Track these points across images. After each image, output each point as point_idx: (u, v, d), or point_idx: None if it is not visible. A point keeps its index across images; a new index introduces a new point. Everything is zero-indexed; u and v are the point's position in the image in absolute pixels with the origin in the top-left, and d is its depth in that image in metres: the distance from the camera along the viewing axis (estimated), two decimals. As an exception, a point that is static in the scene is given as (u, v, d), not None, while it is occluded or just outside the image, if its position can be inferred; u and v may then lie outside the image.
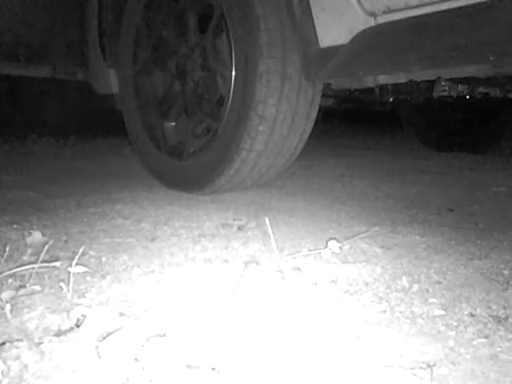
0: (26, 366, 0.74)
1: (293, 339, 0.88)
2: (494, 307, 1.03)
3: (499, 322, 0.97)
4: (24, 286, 1.06)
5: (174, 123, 2.17)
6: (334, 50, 1.67)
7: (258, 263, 1.26)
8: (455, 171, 2.83)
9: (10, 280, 1.09)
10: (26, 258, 1.26)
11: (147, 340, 0.81)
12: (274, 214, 1.81)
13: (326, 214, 1.83)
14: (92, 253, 1.32)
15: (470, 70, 1.64)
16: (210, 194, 2.06)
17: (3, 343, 0.80)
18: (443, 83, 2.03)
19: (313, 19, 1.71)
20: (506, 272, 1.23)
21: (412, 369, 0.79)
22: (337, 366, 0.80)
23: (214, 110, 2.02)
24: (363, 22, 1.59)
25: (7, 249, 1.20)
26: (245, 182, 2.01)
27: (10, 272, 1.09)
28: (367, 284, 1.15)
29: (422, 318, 0.98)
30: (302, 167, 2.80)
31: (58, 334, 0.86)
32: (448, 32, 1.42)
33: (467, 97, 2.34)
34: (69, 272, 1.04)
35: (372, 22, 1.57)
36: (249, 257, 1.33)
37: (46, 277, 1.13)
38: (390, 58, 1.55)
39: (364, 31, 1.58)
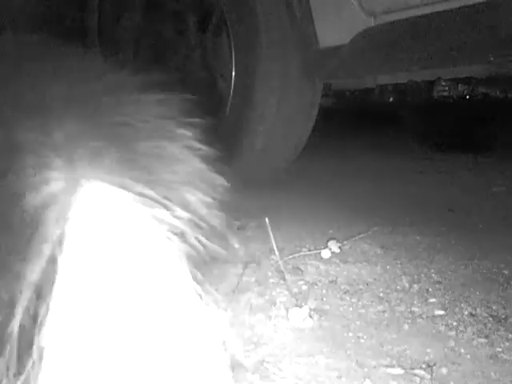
0: None
1: (292, 339, 0.88)
2: (494, 307, 1.03)
3: (499, 322, 0.97)
4: None
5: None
6: (334, 50, 1.67)
7: (258, 263, 1.26)
8: (455, 171, 2.82)
9: None
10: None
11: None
12: (274, 213, 1.80)
13: (325, 213, 1.83)
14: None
15: (469, 70, 1.64)
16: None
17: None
18: (443, 83, 2.03)
19: (313, 19, 1.71)
20: (505, 272, 1.23)
21: (412, 369, 0.79)
22: (337, 366, 0.80)
23: (214, 109, 2.01)
24: (363, 22, 1.58)
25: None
26: (245, 182, 2.01)
27: None
28: (367, 284, 1.15)
29: (422, 318, 0.98)
30: (302, 167, 2.80)
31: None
32: (448, 32, 1.42)
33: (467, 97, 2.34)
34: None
35: (372, 22, 1.57)
36: (249, 257, 1.33)
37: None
38: (389, 58, 1.55)
39: (364, 31, 1.58)
